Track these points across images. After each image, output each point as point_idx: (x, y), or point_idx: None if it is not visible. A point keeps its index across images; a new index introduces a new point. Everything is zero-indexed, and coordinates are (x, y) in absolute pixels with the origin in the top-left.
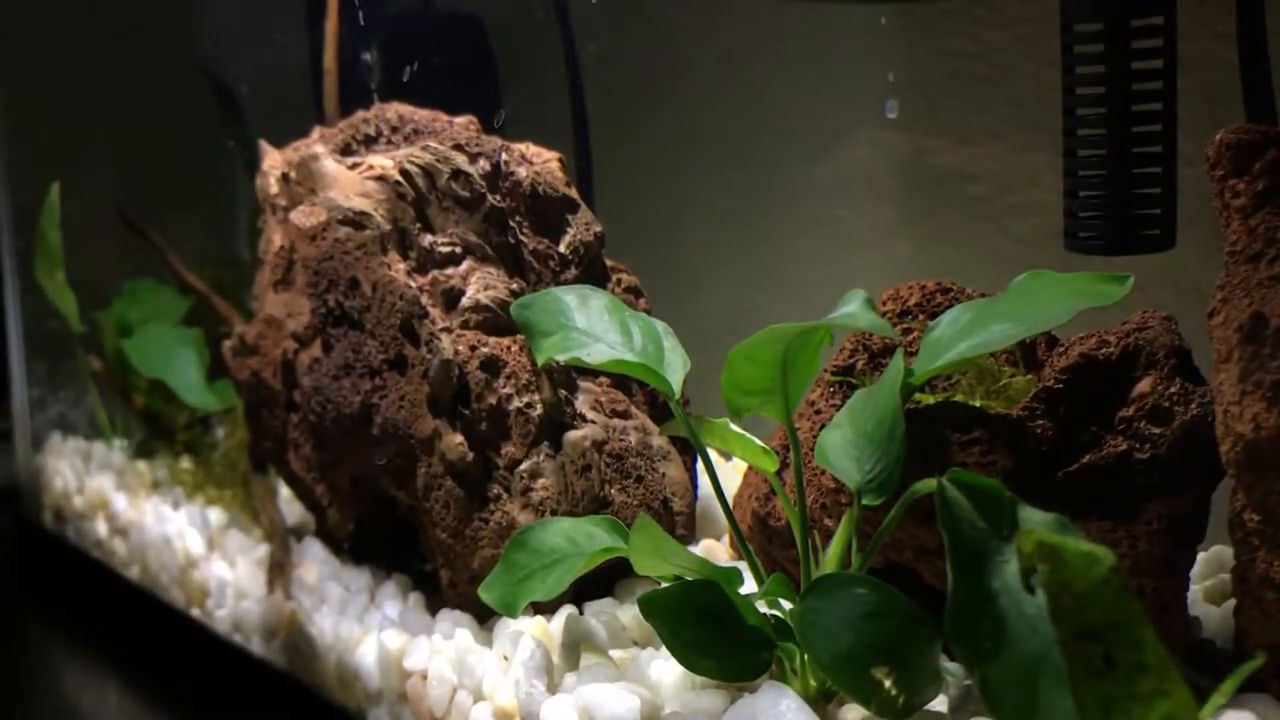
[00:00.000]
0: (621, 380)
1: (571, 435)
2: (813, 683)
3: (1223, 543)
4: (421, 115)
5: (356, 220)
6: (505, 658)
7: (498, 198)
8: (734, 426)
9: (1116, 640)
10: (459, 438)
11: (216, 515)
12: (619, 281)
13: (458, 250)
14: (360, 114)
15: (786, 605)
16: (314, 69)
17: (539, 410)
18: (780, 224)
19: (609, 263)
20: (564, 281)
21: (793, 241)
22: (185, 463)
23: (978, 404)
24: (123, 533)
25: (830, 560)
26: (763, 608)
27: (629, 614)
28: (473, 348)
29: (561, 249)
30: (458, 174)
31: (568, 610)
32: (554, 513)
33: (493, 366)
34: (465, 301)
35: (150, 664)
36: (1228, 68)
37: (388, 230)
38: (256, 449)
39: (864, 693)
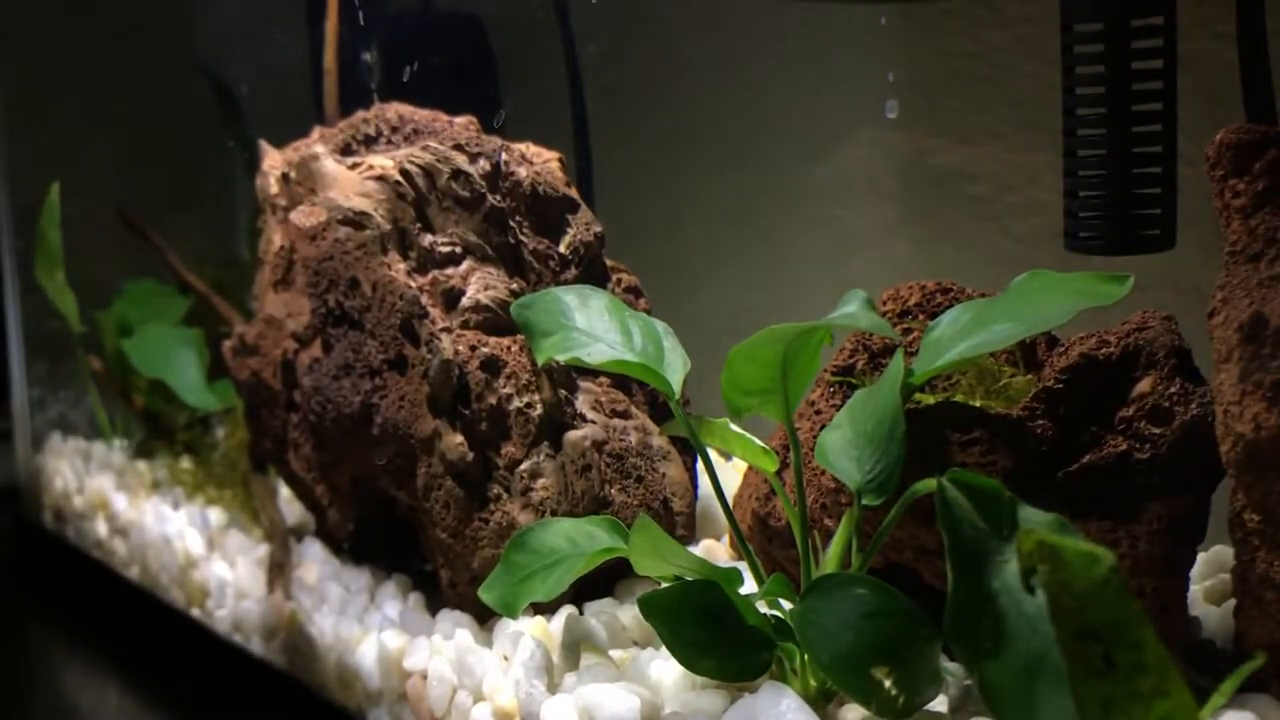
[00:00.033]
0: (621, 380)
1: (571, 435)
2: (813, 683)
3: (1223, 543)
4: (421, 115)
5: (356, 220)
6: (505, 658)
7: (498, 198)
8: (734, 426)
9: (1116, 640)
10: (459, 438)
11: (216, 515)
12: (619, 281)
13: (458, 250)
14: (360, 114)
15: (786, 605)
16: (314, 69)
17: (539, 410)
18: (780, 224)
19: (609, 263)
20: (564, 281)
21: (793, 241)
22: (185, 463)
23: (978, 404)
24: (123, 533)
25: (830, 560)
26: (763, 608)
27: (629, 614)
28: (473, 348)
29: (561, 249)
30: (458, 174)
31: (568, 610)
32: (554, 513)
33: (493, 366)
34: (465, 301)
35: (150, 664)
36: (1228, 68)
37: (388, 230)
38: (256, 449)
39: (864, 693)
